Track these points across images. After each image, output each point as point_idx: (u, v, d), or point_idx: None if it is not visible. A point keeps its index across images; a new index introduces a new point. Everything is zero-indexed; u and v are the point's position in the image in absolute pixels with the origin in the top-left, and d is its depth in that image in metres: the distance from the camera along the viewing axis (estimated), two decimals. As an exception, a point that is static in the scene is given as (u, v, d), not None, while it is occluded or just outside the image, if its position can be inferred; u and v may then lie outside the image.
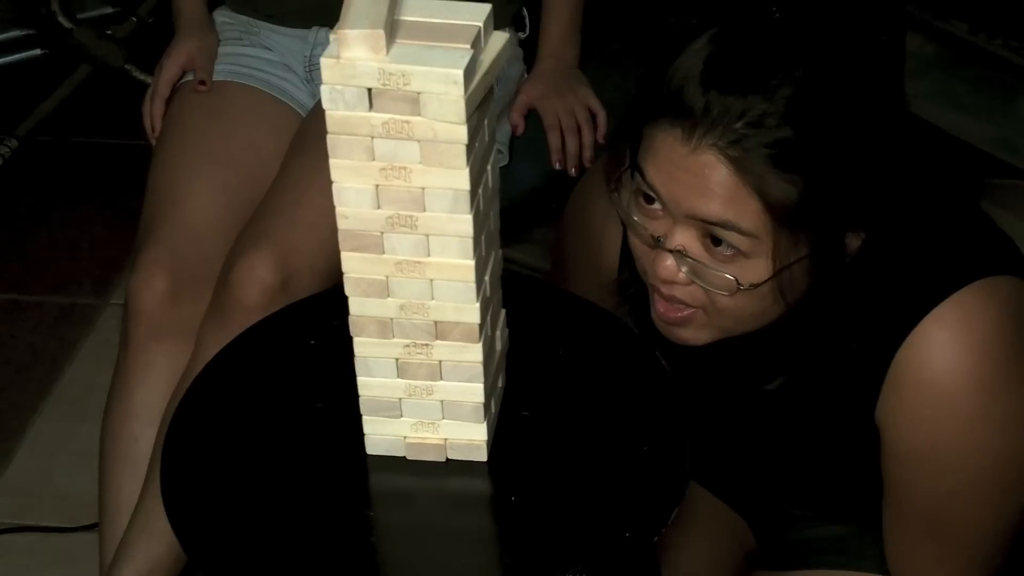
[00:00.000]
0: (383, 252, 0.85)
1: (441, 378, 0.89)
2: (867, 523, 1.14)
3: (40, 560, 1.76)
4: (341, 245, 0.85)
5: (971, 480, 1.02)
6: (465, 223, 0.83)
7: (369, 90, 0.79)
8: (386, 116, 0.79)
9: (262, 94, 1.58)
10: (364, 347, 0.89)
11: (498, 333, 0.94)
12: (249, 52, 1.63)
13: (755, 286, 0.98)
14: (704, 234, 0.98)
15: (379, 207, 0.83)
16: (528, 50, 1.72)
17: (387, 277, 0.86)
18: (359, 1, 0.80)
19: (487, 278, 0.88)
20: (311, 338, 1.03)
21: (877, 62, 0.99)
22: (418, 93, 0.78)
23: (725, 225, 0.96)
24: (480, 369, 0.89)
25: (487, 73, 0.81)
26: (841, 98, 0.94)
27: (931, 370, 0.98)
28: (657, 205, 0.99)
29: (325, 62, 0.79)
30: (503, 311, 0.96)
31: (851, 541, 1.21)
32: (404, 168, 0.81)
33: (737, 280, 0.97)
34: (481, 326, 0.87)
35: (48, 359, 2.08)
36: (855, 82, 0.95)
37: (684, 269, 0.99)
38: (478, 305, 0.86)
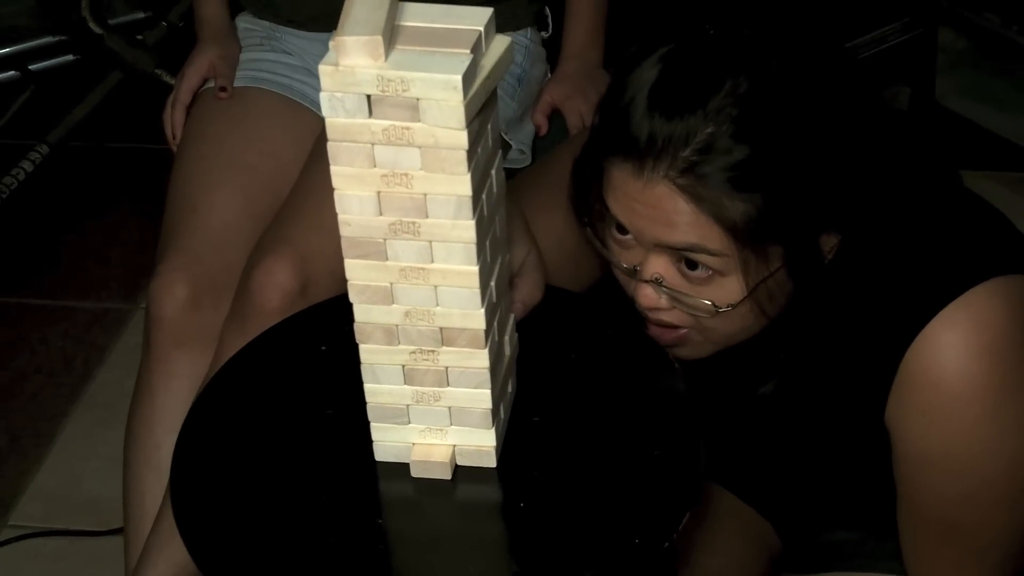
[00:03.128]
0: (387, 259, 0.84)
1: (448, 384, 0.89)
2: (883, 528, 1.12)
3: (70, 564, 1.78)
4: (344, 252, 0.85)
5: (984, 482, 1.00)
6: (468, 229, 0.82)
7: (368, 97, 0.78)
8: (386, 123, 0.79)
9: (283, 99, 1.58)
10: (370, 354, 0.89)
11: (507, 338, 0.93)
12: (270, 57, 1.63)
13: (733, 307, 0.98)
14: (677, 258, 0.98)
15: (381, 214, 0.82)
16: (552, 50, 1.72)
17: (391, 284, 0.85)
18: (358, 7, 0.80)
19: (493, 283, 0.88)
20: (322, 344, 1.03)
21: (833, 63, 0.97)
22: (417, 99, 0.78)
23: (693, 249, 0.96)
24: (487, 375, 0.88)
25: (488, 78, 0.81)
26: (792, 109, 0.93)
27: (941, 372, 0.96)
28: (628, 235, 1.00)
29: (324, 69, 0.78)
30: (512, 316, 0.95)
31: (872, 544, 1.20)
32: (405, 175, 0.81)
33: (714, 303, 0.98)
34: (487, 332, 0.87)
35: (79, 364, 2.10)
36: (806, 90, 0.94)
37: (663, 297, 1.00)
38: (483, 311, 0.85)
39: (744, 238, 0.94)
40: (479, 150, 0.82)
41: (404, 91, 0.78)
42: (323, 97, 0.79)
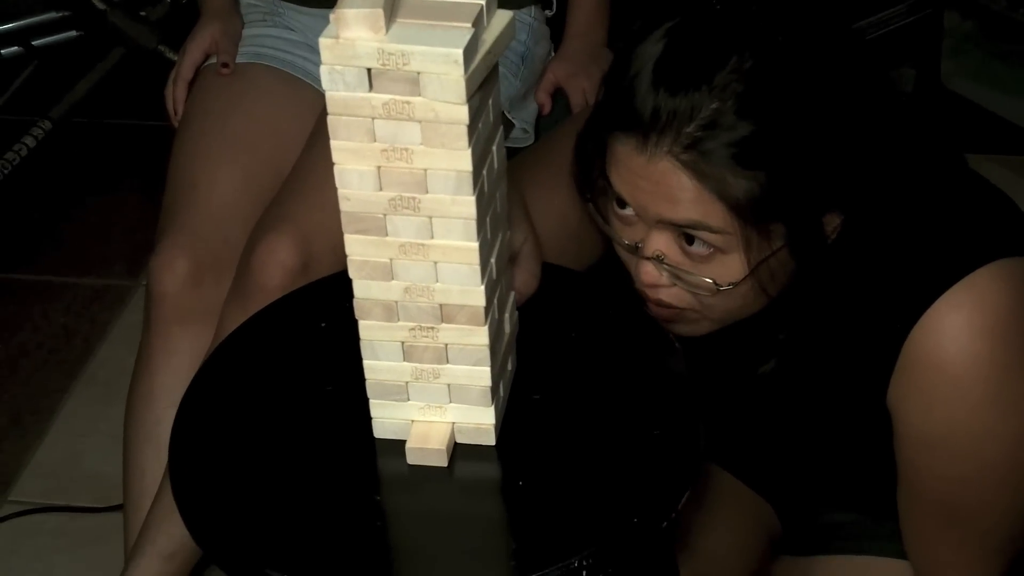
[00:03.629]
0: (386, 235, 0.84)
1: (448, 362, 0.89)
2: (881, 509, 1.12)
3: (70, 540, 1.78)
4: (344, 228, 0.84)
5: (986, 464, 1.00)
6: (468, 205, 0.82)
7: (369, 70, 0.78)
8: (386, 97, 0.78)
9: (285, 75, 1.57)
10: (369, 330, 0.88)
11: (507, 316, 0.93)
12: (272, 33, 1.62)
13: (734, 285, 0.98)
14: (679, 235, 0.97)
15: (381, 189, 0.82)
16: (555, 29, 1.71)
17: (391, 260, 0.85)
18: (360, -21, 0.79)
19: (493, 260, 0.87)
20: (322, 320, 1.03)
21: (839, 42, 0.96)
22: (418, 73, 0.77)
23: (695, 226, 0.96)
24: (487, 352, 0.88)
25: (489, 52, 0.80)
26: (798, 87, 0.92)
27: (944, 353, 0.96)
28: (630, 210, 1.00)
29: (324, 42, 0.78)
30: (512, 293, 0.95)
31: (870, 525, 1.19)
32: (406, 149, 0.80)
33: (715, 282, 0.98)
34: (487, 309, 0.86)
35: (80, 340, 2.10)
36: (812, 68, 0.93)
37: (664, 274, 1.00)
38: (483, 288, 0.85)
39: (747, 216, 0.94)
40: (480, 125, 0.81)
41: (404, 65, 0.77)
42: (323, 70, 0.78)
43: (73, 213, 2.36)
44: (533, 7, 1.65)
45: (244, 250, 1.44)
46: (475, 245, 0.83)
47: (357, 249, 0.85)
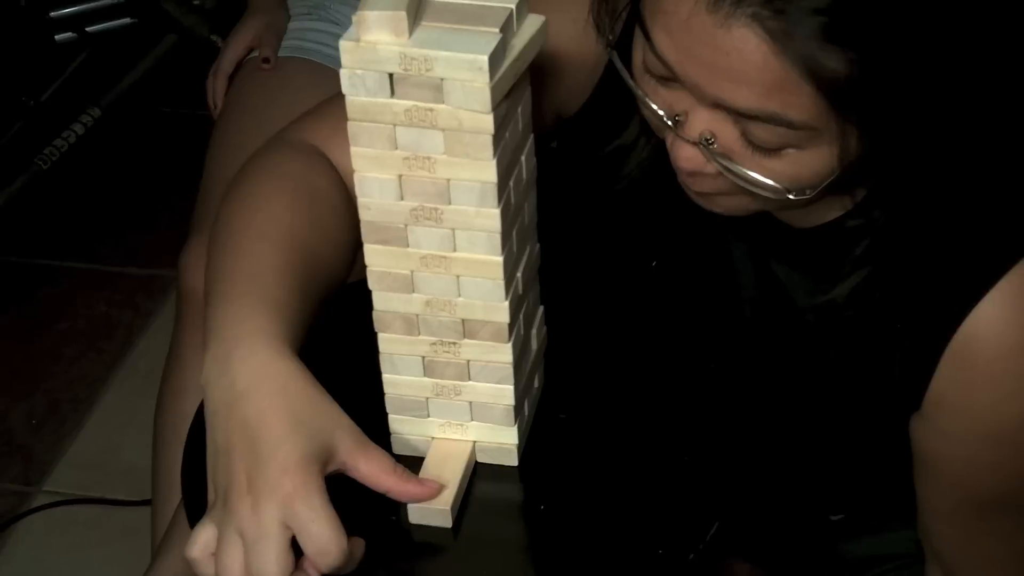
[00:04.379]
0: (407, 246, 0.80)
1: (470, 378, 0.85)
2: (902, 517, 1.04)
3: (103, 532, 1.76)
4: (364, 237, 0.81)
5: None
6: (492, 218, 0.78)
7: (391, 75, 0.74)
8: (408, 103, 0.75)
9: (325, 70, 1.54)
10: (389, 344, 0.85)
11: (533, 332, 0.89)
12: (317, 27, 1.60)
13: (813, 190, 0.79)
14: (739, 116, 0.77)
15: (403, 198, 0.79)
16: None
17: (412, 272, 0.81)
18: (384, -21, 0.76)
19: (519, 275, 0.84)
20: (346, 327, 1.00)
21: None
22: (441, 80, 0.74)
23: (769, 119, 0.75)
24: (510, 371, 0.84)
25: (518, 59, 0.76)
26: None
27: (996, 348, 0.85)
28: (675, 81, 0.79)
29: (344, 45, 0.74)
30: (540, 308, 0.91)
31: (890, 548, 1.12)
32: (428, 158, 0.77)
33: (781, 183, 0.78)
34: (511, 326, 0.83)
35: (122, 331, 2.09)
36: None
37: (711, 164, 0.80)
38: (507, 304, 0.81)
39: (838, 100, 0.74)
40: (507, 134, 0.78)
41: (428, 70, 0.74)
42: (343, 74, 0.75)
43: (121, 201, 2.34)
44: None
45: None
46: (499, 259, 0.80)
47: (377, 260, 0.82)
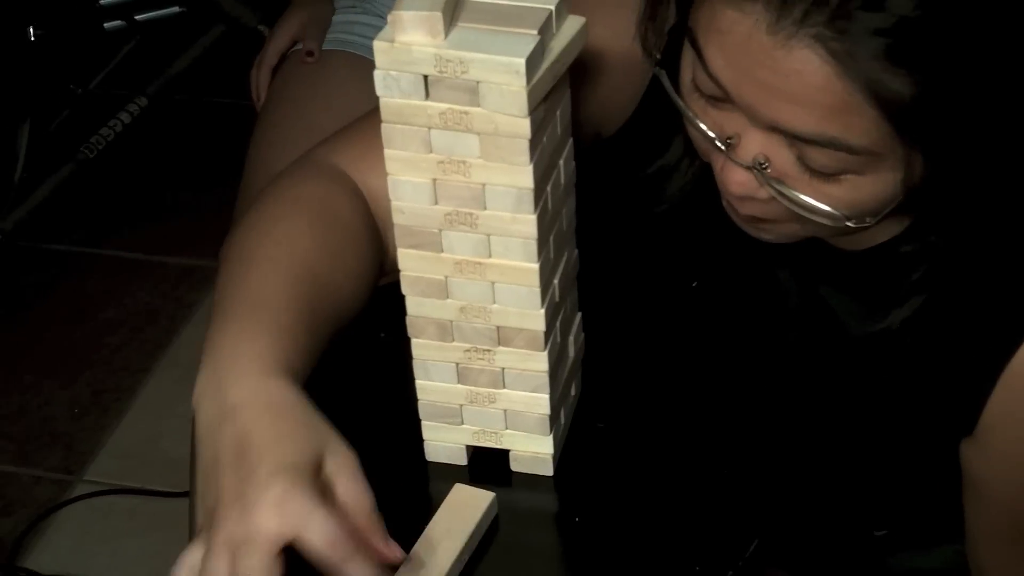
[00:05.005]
0: (441, 251, 0.79)
1: (504, 386, 0.83)
2: (947, 533, 1.01)
3: (141, 522, 1.76)
4: (397, 241, 0.79)
5: None
6: (528, 224, 0.76)
7: (425, 77, 0.73)
8: (443, 106, 0.73)
9: (369, 64, 1.51)
10: (422, 349, 0.83)
11: (571, 339, 0.87)
12: (362, 20, 1.58)
13: (874, 216, 0.76)
14: (794, 140, 0.74)
15: (437, 203, 0.77)
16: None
17: (446, 277, 0.80)
18: (421, -22, 0.74)
19: (556, 282, 0.81)
20: (381, 330, 0.98)
21: None
22: (477, 83, 0.72)
23: (828, 143, 0.72)
24: (546, 379, 0.82)
25: (557, 61, 0.74)
26: None
27: None
28: (727, 102, 0.76)
29: (378, 45, 0.73)
30: (579, 315, 0.89)
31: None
32: (463, 162, 0.75)
33: (839, 211, 0.74)
34: (547, 334, 0.81)
35: (165, 320, 2.09)
36: None
37: (764, 188, 0.76)
38: (543, 312, 0.79)
39: (901, 124, 0.71)
40: (544, 138, 0.76)
41: (463, 73, 0.72)
42: (377, 75, 0.74)
43: (166, 191, 2.35)
44: None
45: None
46: (535, 266, 0.78)
47: (410, 264, 0.80)
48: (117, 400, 1.95)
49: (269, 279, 0.81)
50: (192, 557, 0.72)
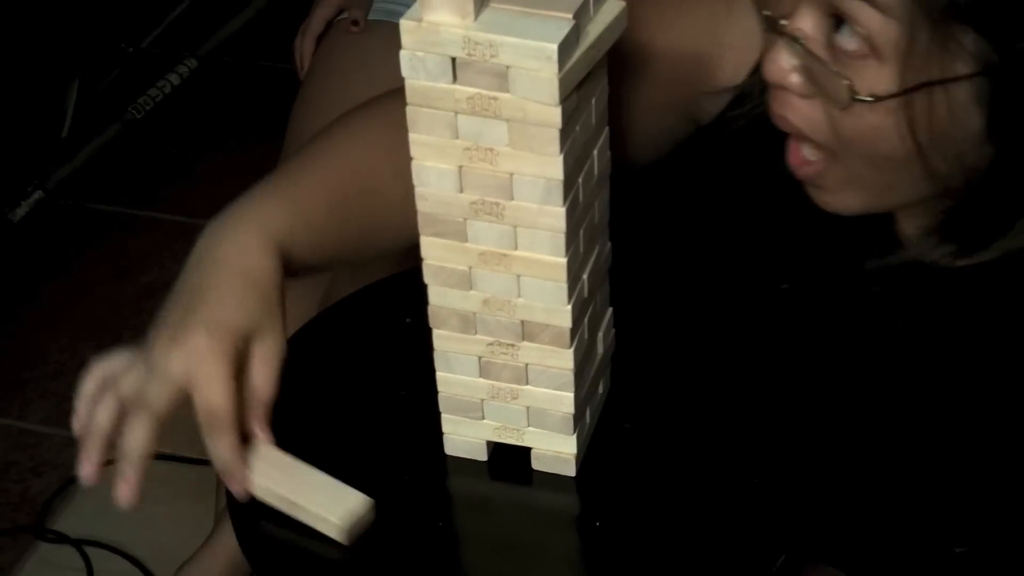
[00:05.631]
0: (466, 240, 0.75)
1: (528, 383, 0.80)
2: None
3: (170, 489, 1.74)
4: (420, 229, 0.76)
5: None
6: (557, 217, 0.73)
7: (453, 60, 0.69)
8: (471, 90, 0.70)
9: (414, 35, 1.49)
10: (444, 341, 0.80)
11: (600, 335, 0.84)
12: (410, -11, 1.54)
13: (875, 99, 0.76)
14: (830, 22, 0.78)
15: (462, 191, 0.73)
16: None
17: (470, 268, 0.76)
18: (454, -45, 0.70)
19: (585, 276, 0.78)
20: (407, 315, 0.95)
21: None
22: (507, 67, 0.68)
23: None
24: (571, 377, 0.79)
25: (593, 47, 0.70)
26: None
27: None
28: None
29: (404, 24, 0.69)
30: (609, 310, 0.85)
31: None
32: (491, 150, 0.71)
33: (852, 86, 0.77)
34: (573, 331, 0.77)
35: (204, 285, 2.07)
36: None
37: (795, 65, 0.80)
38: (570, 308, 0.76)
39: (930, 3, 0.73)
40: (577, 128, 0.72)
41: (492, 57, 0.68)
42: (403, 56, 0.70)
43: (212, 154, 2.32)
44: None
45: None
46: (563, 261, 0.74)
47: (433, 253, 0.77)
48: (153, 364, 1.93)
49: (317, 164, 0.90)
50: (119, 359, 0.81)
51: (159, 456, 1.82)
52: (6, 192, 2.09)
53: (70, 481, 1.75)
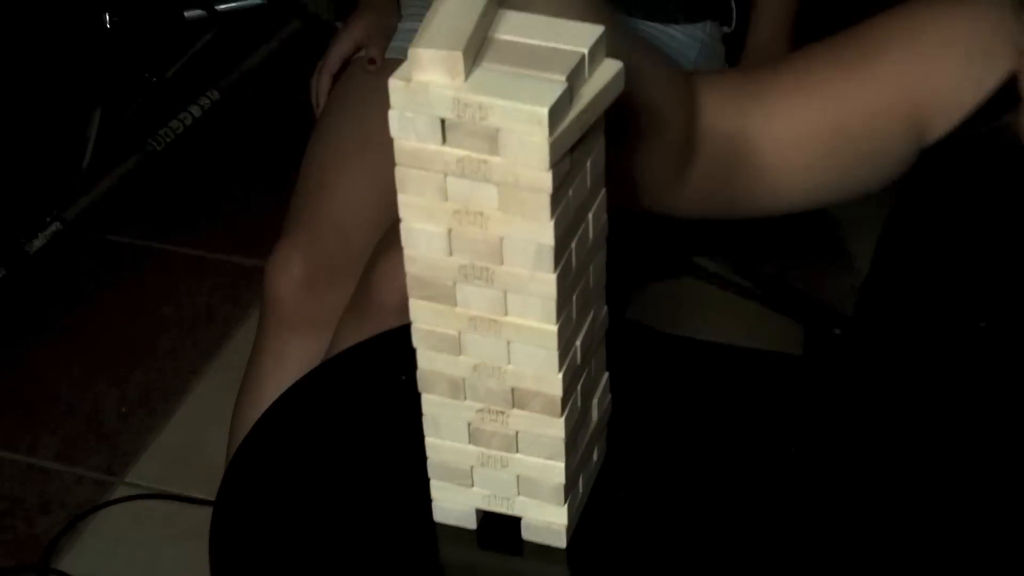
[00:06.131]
0: (455, 304, 0.73)
1: (518, 450, 0.77)
2: None
3: (178, 530, 1.73)
4: (409, 291, 0.74)
5: None
6: (548, 283, 0.70)
7: (443, 121, 0.67)
8: (461, 152, 0.67)
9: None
10: (433, 405, 0.78)
11: (594, 402, 0.81)
12: (427, 29, 1.53)
13: None
14: None
15: (451, 254, 0.71)
16: (733, 47, 1.57)
17: (459, 333, 0.74)
18: (445, 11, 0.68)
19: (578, 343, 0.75)
20: (403, 372, 0.92)
21: None
22: (497, 130, 0.66)
23: None
24: (562, 447, 0.76)
25: (586, 110, 0.68)
26: None
27: None
28: None
29: (393, 83, 0.67)
30: (605, 375, 0.83)
31: None
32: (480, 214, 0.69)
33: None
34: (564, 399, 0.75)
35: (220, 321, 2.05)
36: None
37: None
38: (560, 376, 0.73)
39: None
40: (570, 192, 0.70)
41: (482, 119, 0.66)
42: (392, 115, 0.68)
43: (234, 188, 2.32)
44: (708, 22, 1.52)
45: (368, 261, 1.36)
46: (554, 328, 0.71)
47: (422, 316, 0.74)
48: (165, 401, 1.92)
49: None
50: None
51: (166, 496, 1.83)
52: (24, 223, 2.09)
53: (77, 519, 1.74)
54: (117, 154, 2.21)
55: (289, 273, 1.39)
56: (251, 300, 2.09)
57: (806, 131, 0.87)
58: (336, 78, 1.56)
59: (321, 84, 1.55)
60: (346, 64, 1.56)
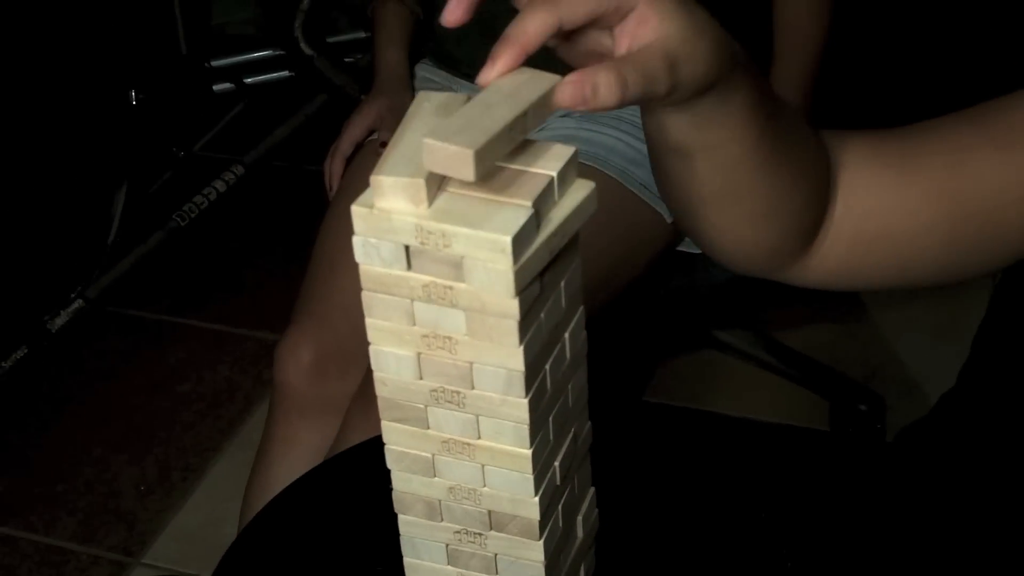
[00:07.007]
0: (428, 428, 0.71)
1: (497, 573, 0.76)
2: None
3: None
4: (381, 413, 0.72)
5: None
6: (520, 408, 0.68)
7: (407, 247, 0.66)
8: (426, 279, 0.66)
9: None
10: (410, 527, 0.76)
11: (578, 519, 0.79)
12: (440, 112, 1.52)
13: None
14: None
15: (421, 378, 0.70)
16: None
17: (433, 456, 0.72)
18: (411, 136, 0.67)
19: (557, 464, 0.74)
20: (391, 483, 0.91)
21: None
22: (461, 257, 0.65)
23: None
24: (542, 570, 0.74)
25: (555, 234, 0.67)
26: None
27: None
28: None
29: (356, 211, 0.66)
30: (591, 491, 0.81)
31: None
32: (449, 338, 0.68)
33: None
34: (543, 523, 0.73)
35: (241, 398, 2.05)
36: None
37: None
38: (537, 500, 0.72)
39: None
40: (542, 315, 0.68)
41: (446, 246, 0.65)
42: (356, 241, 0.67)
43: (258, 262, 2.32)
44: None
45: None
46: (527, 452, 0.70)
47: (395, 438, 0.73)
48: (184, 479, 1.91)
49: None
50: None
51: (177, 576, 1.79)
52: (47, 300, 2.10)
53: (92, 602, 1.73)
54: (141, 231, 2.22)
55: (298, 359, 1.38)
56: (272, 376, 2.09)
57: (944, 211, 0.82)
58: (349, 161, 1.56)
59: (334, 167, 1.55)
60: (358, 148, 1.56)
